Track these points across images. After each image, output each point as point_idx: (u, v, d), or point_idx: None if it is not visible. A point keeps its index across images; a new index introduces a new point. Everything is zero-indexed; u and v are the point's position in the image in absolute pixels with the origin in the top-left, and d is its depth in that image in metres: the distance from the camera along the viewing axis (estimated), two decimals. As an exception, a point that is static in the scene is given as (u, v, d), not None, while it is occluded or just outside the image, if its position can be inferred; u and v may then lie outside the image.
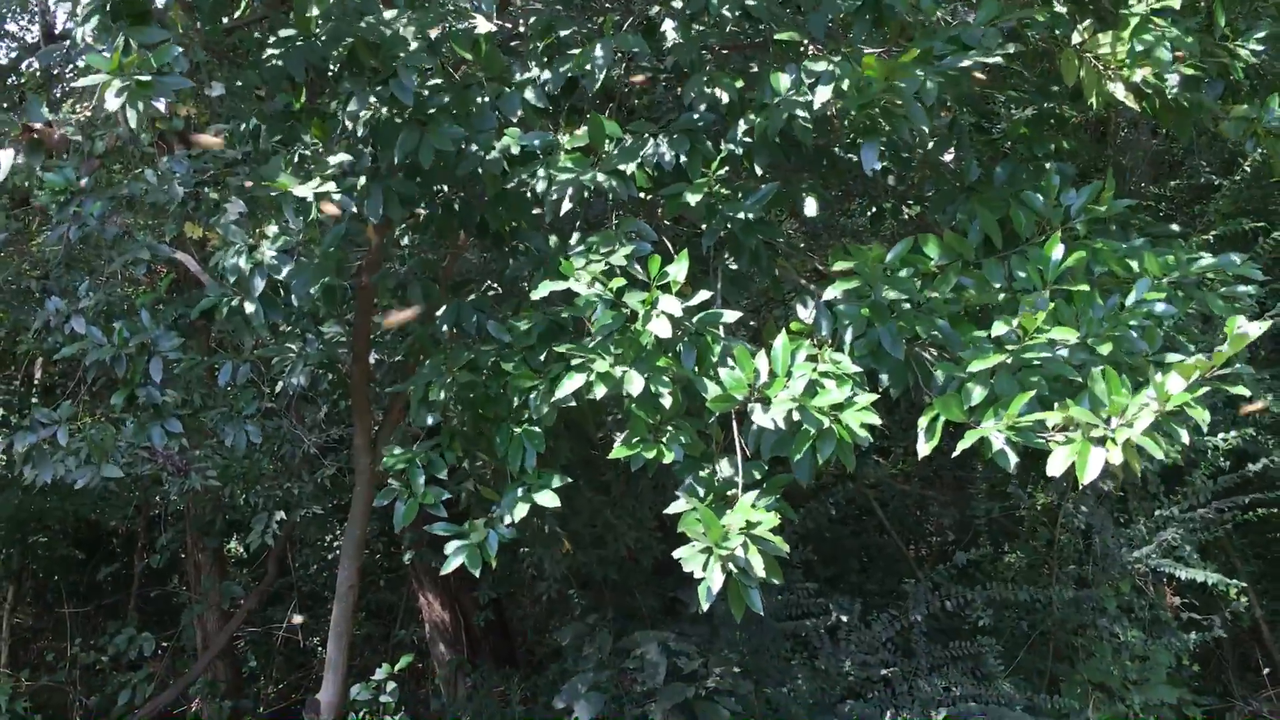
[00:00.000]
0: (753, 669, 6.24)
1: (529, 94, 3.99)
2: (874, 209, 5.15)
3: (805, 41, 4.03)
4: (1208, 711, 7.44)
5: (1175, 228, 4.55)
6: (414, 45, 3.79)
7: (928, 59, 3.65)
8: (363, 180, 3.93)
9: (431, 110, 3.89)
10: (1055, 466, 3.20)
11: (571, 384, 3.59)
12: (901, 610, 6.57)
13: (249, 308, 4.08)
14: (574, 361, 3.60)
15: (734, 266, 4.18)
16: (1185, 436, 3.14)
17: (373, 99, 3.79)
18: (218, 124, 5.08)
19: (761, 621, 6.35)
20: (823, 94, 3.63)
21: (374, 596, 8.91)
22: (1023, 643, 7.07)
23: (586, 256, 3.74)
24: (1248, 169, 7.07)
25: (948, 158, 4.50)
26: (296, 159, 4.22)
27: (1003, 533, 7.80)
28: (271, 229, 4.07)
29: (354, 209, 3.91)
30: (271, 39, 3.99)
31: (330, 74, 4.10)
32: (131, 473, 5.20)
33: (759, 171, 4.01)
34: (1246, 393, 3.29)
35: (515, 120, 4.00)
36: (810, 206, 4.39)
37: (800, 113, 3.67)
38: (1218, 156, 8.06)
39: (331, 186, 3.70)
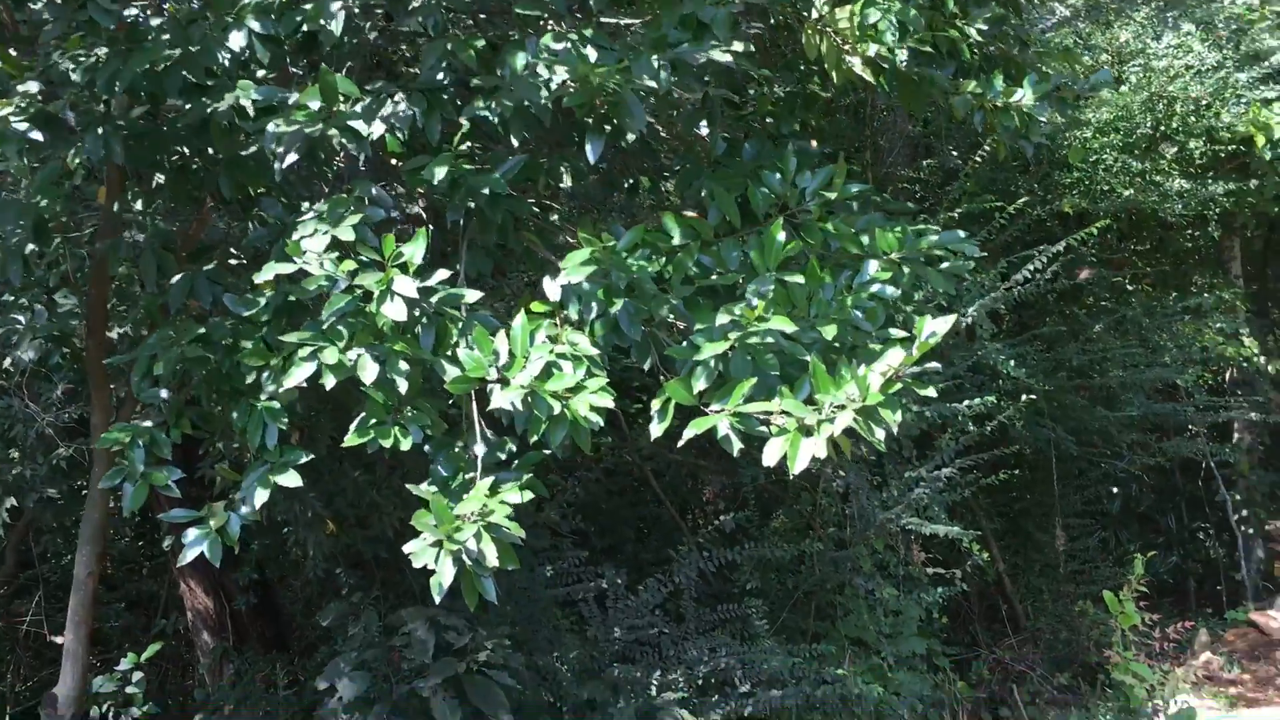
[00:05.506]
0: (524, 640, 6.25)
1: (254, 23, 3.71)
2: (630, 181, 5.20)
3: (546, 15, 4.01)
4: (956, 660, 7.98)
5: (911, 205, 4.83)
6: None
7: (662, 47, 3.73)
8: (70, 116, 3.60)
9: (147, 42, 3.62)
10: (770, 456, 3.37)
11: (301, 372, 3.43)
12: (668, 575, 6.72)
13: None
14: (303, 352, 3.42)
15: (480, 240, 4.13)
16: (880, 433, 3.33)
17: (73, 24, 3.50)
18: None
19: (531, 592, 6.37)
20: (561, 74, 3.65)
21: (135, 585, 8.42)
22: (787, 603, 7.37)
23: (314, 226, 3.58)
24: (986, 149, 7.56)
25: (703, 131, 4.58)
26: None
27: (770, 498, 8.10)
28: None
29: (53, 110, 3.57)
30: None
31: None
32: None
33: (515, 143, 3.98)
34: (934, 393, 3.51)
35: (239, 51, 3.73)
36: (565, 179, 4.41)
37: (538, 96, 3.65)
38: (965, 141, 8.58)
39: (11, 109, 3.38)
